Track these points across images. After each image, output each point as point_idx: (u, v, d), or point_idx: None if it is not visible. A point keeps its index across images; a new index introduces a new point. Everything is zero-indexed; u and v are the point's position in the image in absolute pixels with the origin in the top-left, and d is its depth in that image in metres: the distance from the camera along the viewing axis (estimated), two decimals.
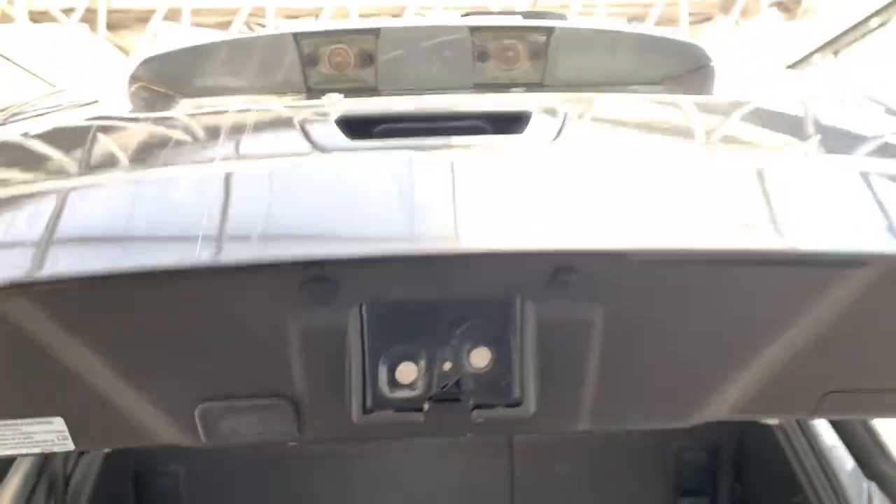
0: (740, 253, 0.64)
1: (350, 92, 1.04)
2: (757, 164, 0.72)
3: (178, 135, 0.79)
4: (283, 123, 0.79)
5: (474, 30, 1.01)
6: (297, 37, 1.02)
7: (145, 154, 0.78)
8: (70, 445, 0.73)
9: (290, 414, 0.70)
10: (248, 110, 0.87)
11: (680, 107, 0.87)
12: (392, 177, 0.67)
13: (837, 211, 0.67)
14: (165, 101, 1.04)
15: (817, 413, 0.77)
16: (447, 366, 0.67)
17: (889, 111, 1.08)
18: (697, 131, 0.82)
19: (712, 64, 1.04)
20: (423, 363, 0.66)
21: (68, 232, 0.65)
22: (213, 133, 0.80)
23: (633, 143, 0.78)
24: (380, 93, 1.05)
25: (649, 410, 0.74)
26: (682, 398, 0.72)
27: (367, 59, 1.04)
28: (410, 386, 0.67)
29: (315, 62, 1.04)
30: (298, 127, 0.73)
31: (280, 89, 1.05)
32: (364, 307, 0.66)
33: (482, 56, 1.04)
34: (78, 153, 0.78)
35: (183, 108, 0.92)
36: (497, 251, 0.62)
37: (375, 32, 1.02)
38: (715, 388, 0.70)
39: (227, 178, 0.68)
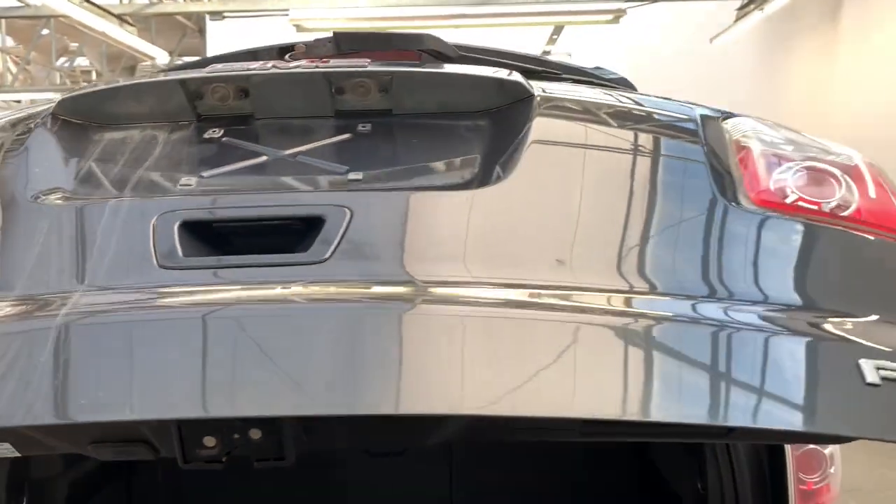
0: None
1: (231, 120, 1.27)
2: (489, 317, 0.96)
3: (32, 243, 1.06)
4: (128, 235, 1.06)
5: (326, 75, 1.22)
6: (181, 81, 1.25)
7: None
8: (17, 454, 1.11)
9: (152, 451, 1.08)
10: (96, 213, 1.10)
11: (470, 206, 1.07)
12: (190, 337, 0.93)
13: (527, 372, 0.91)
14: (82, 130, 1.28)
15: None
16: (235, 437, 1.01)
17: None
18: (472, 253, 1.04)
19: (532, 96, 1.23)
20: (219, 436, 1.02)
21: None
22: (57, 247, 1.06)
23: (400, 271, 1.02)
24: (256, 119, 1.27)
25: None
26: (419, 428, 1.07)
27: (244, 93, 1.26)
28: (212, 448, 1.03)
29: (201, 96, 1.26)
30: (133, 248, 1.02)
31: (174, 118, 1.28)
32: None
33: (339, 90, 1.25)
34: None
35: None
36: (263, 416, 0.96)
37: (247, 77, 1.24)
38: (445, 425, 1.06)
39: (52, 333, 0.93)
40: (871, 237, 1.15)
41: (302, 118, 1.27)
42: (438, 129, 1.25)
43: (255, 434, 1.01)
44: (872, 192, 1.20)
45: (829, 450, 1.60)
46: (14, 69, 12.50)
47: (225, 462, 1.04)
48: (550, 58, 2.20)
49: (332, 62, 1.26)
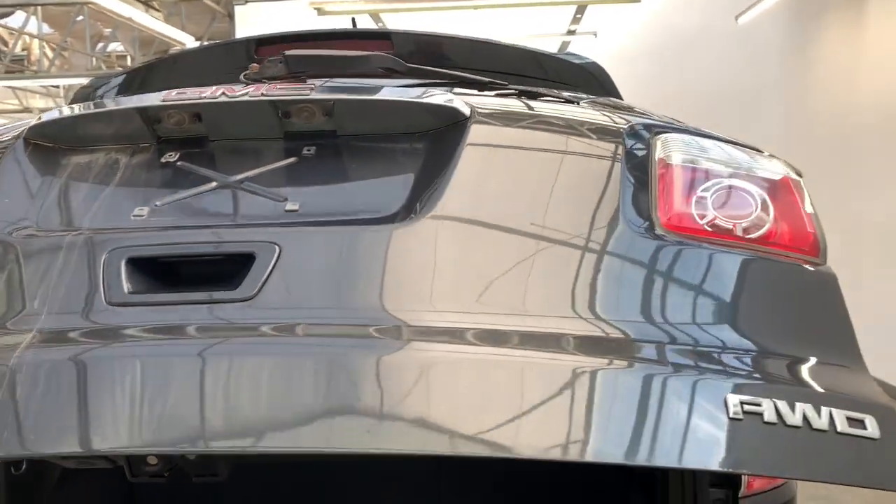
0: None
1: (187, 141, 1.36)
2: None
3: None
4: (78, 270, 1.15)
5: (272, 102, 1.30)
6: (139, 109, 1.34)
7: None
8: None
9: (110, 462, 1.23)
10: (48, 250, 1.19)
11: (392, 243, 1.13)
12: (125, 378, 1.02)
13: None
14: (50, 152, 1.38)
15: None
16: (175, 456, 1.18)
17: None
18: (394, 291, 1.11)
19: (467, 119, 1.29)
20: (161, 456, 1.18)
21: None
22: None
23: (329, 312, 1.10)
24: (211, 140, 1.36)
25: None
26: None
27: (198, 117, 1.34)
28: (154, 466, 1.20)
29: (159, 121, 1.35)
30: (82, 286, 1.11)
31: (137, 140, 1.37)
32: None
33: (286, 114, 1.32)
34: None
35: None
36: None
37: (198, 105, 1.32)
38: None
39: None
40: (780, 260, 1.18)
41: (253, 139, 1.35)
42: (377, 152, 1.32)
43: (192, 455, 1.14)
44: (787, 212, 1.23)
45: None
46: (51, 54, 12.79)
47: (167, 476, 1.16)
48: (517, 45, 2.18)
49: (279, 88, 1.33)
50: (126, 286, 1.11)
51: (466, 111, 1.30)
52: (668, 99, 8.40)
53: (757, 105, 6.82)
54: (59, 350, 1.06)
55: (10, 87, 13.55)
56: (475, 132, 1.27)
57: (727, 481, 1.53)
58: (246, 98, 1.30)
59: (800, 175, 1.43)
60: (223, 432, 0.96)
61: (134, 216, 1.23)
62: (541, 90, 1.64)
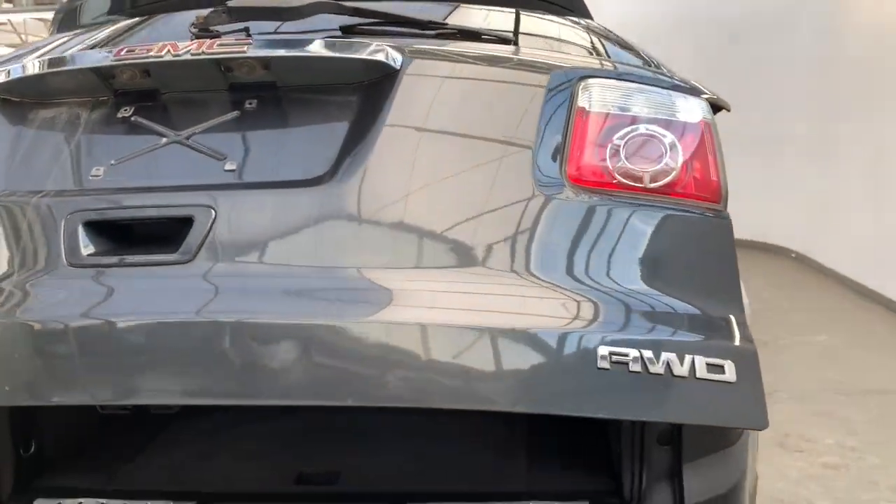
0: None
1: (140, 95, 1.45)
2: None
3: None
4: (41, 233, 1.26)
5: (213, 60, 1.36)
6: (94, 69, 1.43)
7: None
8: None
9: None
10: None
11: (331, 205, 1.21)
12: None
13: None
14: (19, 105, 1.48)
15: None
16: None
17: None
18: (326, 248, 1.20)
19: (397, 71, 1.34)
20: None
21: None
22: None
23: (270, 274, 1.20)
24: (162, 93, 1.44)
25: None
26: None
27: (147, 73, 1.42)
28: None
29: (112, 76, 1.44)
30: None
31: (96, 93, 1.46)
32: None
33: (228, 69, 1.40)
34: None
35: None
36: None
37: (145, 64, 1.40)
38: None
39: None
40: (681, 210, 1.21)
41: (200, 91, 1.44)
42: (315, 105, 1.39)
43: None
44: (696, 159, 1.24)
45: None
46: None
47: (131, 409, 1.30)
48: None
49: (217, 45, 1.38)
50: (83, 248, 1.23)
51: (397, 63, 1.35)
52: (696, 19, 8.14)
53: (786, 27, 6.61)
54: (25, 310, 1.19)
55: (39, 18, 13.65)
56: (405, 84, 1.33)
57: None
58: (188, 56, 1.38)
59: (727, 109, 1.43)
60: (165, 386, 1.13)
61: (92, 176, 1.35)
62: (480, 29, 1.64)
